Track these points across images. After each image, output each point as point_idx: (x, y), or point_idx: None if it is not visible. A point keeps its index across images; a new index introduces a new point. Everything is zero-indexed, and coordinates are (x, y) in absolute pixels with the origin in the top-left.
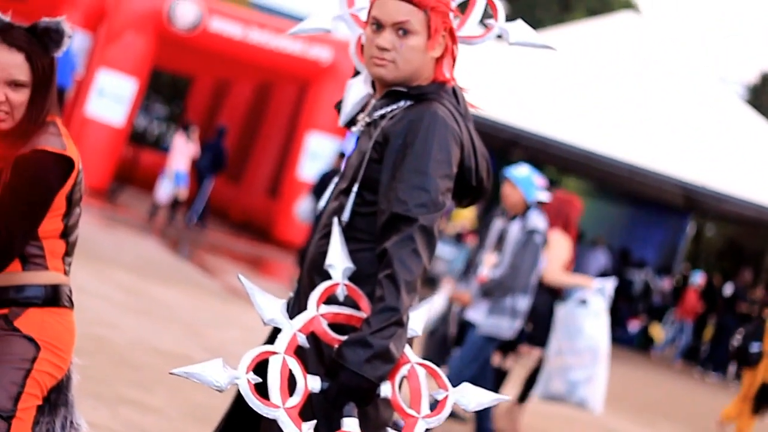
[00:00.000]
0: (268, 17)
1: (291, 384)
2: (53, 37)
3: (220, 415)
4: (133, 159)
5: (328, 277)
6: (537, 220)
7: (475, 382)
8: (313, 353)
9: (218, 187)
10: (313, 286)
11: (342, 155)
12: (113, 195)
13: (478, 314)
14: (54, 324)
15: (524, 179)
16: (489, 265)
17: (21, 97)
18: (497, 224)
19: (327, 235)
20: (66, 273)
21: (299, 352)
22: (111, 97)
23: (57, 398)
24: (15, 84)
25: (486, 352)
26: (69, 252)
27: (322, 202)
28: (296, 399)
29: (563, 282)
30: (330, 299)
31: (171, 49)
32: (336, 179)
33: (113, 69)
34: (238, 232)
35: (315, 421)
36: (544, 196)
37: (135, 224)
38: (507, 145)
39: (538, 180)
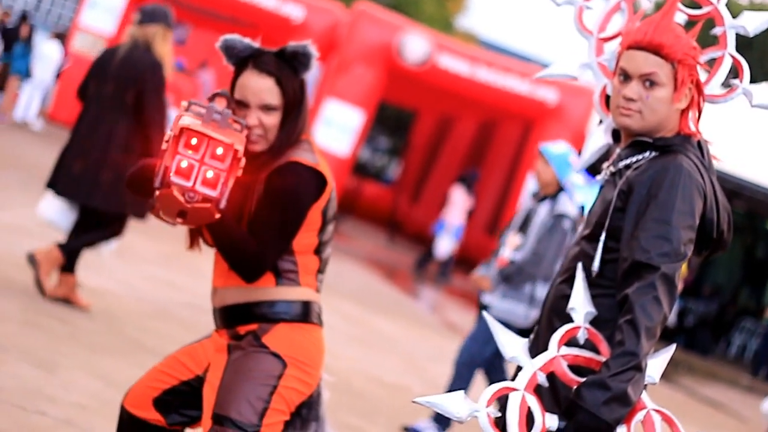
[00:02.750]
0: (496, 56)
1: (529, 421)
2: (301, 60)
3: None
4: (355, 190)
5: (568, 319)
6: (568, 203)
7: (488, 373)
8: (550, 393)
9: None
10: (552, 328)
11: None
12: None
13: (494, 297)
14: (302, 340)
15: (559, 157)
16: (511, 247)
17: (273, 119)
18: (527, 204)
19: (568, 279)
20: (318, 290)
21: (538, 391)
22: (338, 128)
23: (308, 414)
24: (267, 108)
25: None
26: (321, 269)
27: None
28: None
29: None
30: (570, 341)
31: (398, 82)
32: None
33: (341, 100)
34: (456, 268)
35: None
36: (580, 180)
37: (356, 254)
38: (729, 195)
39: (575, 160)
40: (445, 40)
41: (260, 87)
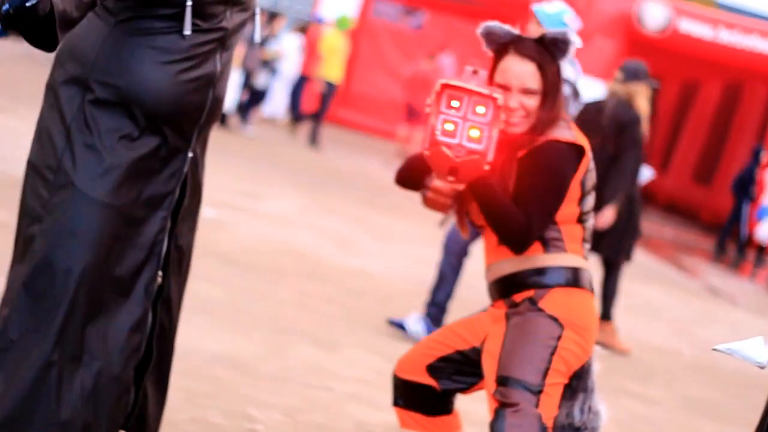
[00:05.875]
0: (736, 17)
1: None
2: (560, 46)
3: (715, 408)
4: None
5: None
6: (567, 68)
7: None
8: None
9: (685, 189)
10: None
11: None
12: None
13: None
14: (576, 305)
15: (553, 16)
16: None
17: (533, 102)
18: None
19: None
20: (585, 258)
21: None
22: None
23: (577, 384)
24: (528, 91)
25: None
26: (586, 238)
27: None
28: None
29: None
30: None
31: (639, 51)
32: None
33: (583, 73)
34: (707, 232)
35: None
36: (577, 40)
37: None
38: None
39: (572, 20)
40: (683, 4)
41: (522, 71)
